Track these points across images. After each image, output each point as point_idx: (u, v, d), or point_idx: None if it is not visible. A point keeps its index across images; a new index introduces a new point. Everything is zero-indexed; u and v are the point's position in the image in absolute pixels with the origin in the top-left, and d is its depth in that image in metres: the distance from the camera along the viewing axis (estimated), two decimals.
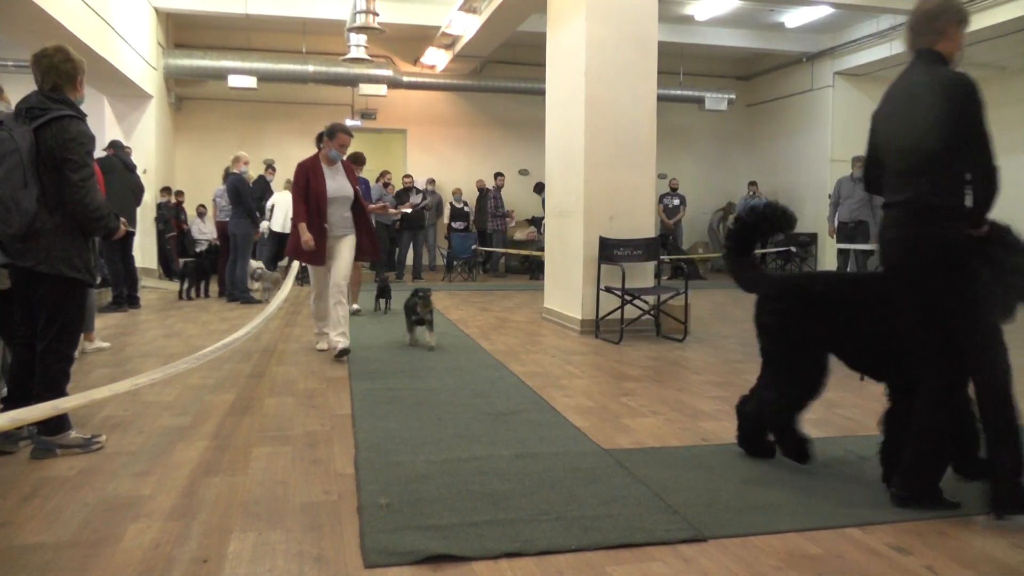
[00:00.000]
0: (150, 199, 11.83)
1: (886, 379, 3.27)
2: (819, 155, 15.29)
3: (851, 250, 10.59)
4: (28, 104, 3.42)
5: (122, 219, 3.76)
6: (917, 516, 2.87)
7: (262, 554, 2.51)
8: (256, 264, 10.07)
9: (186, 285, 10.13)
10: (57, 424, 3.49)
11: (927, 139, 2.87)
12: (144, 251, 12.06)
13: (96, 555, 2.48)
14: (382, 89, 14.14)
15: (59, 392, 3.46)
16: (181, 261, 11.27)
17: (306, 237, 5.67)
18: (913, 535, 2.72)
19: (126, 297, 8.70)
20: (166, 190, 13.21)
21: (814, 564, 2.48)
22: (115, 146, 8.95)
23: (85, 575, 2.35)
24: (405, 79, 14.46)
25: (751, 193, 15.96)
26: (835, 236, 10.86)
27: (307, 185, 5.80)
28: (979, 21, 11.31)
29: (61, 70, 3.48)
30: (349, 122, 15.12)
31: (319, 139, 6.12)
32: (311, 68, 13.59)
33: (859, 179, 9.89)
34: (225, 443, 3.75)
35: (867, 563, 2.49)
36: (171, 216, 13.09)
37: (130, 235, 8.65)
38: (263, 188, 11.54)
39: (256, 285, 9.93)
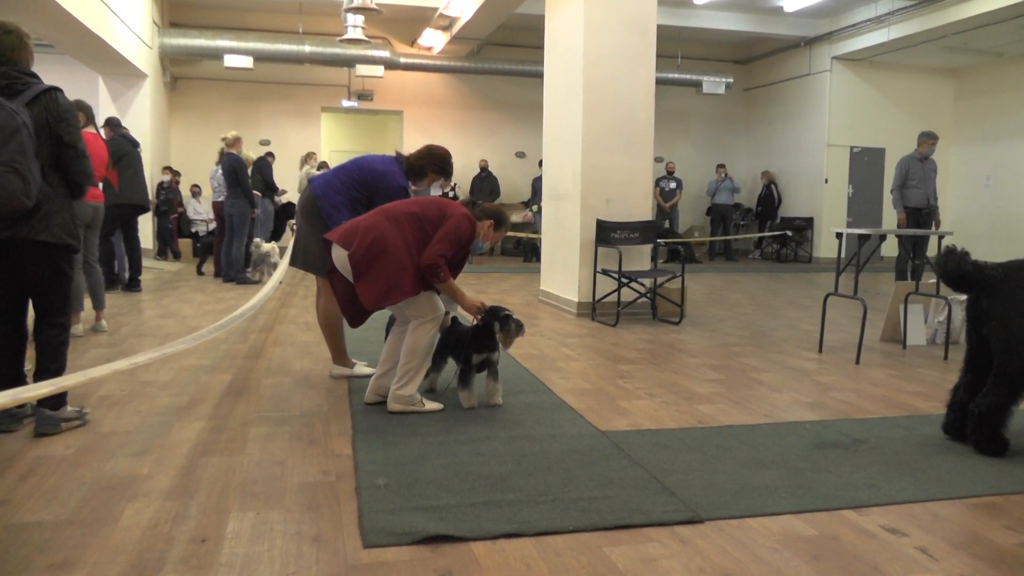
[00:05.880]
0: (147, 178, 11.76)
1: None
2: (816, 139, 15.28)
3: (916, 237, 8.68)
4: (3, 80, 3.39)
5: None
6: (911, 498, 2.90)
7: (260, 533, 2.52)
8: (267, 247, 10.05)
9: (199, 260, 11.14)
10: (60, 397, 3.54)
11: None
12: (140, 231, 11.98)
13: (95, 534, 2.48)
14: (379, 70, 14.08)
15: (64, 363, 3.53)
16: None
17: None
18: (907, 517, 2.74)
19: (128, 281, 8.59)
20: (168, 169, 13.14)
21: (809, 545, 2.50)
22: (112, 124, 8.57)
23: (84, 553, 2.35)
24: (402, 60, 14.39)
25: (721, 176, 15.96)
26: (905, 224, 9.30)
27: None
28: (977, 7, 11.29)
29: (28, 47, 3.52)
30: (345, 103, 15.08)
31: (480, 217, 4.13)
32: (308, 49, 13.49)
33: (928, 159, 9.02)
34: (222, 423, 3.75)
35: (862, 545, 2.51)
36: (173, 196, 13.05)
37: (139, 213, 8.49)
38: (263, 165, 11.51)
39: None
